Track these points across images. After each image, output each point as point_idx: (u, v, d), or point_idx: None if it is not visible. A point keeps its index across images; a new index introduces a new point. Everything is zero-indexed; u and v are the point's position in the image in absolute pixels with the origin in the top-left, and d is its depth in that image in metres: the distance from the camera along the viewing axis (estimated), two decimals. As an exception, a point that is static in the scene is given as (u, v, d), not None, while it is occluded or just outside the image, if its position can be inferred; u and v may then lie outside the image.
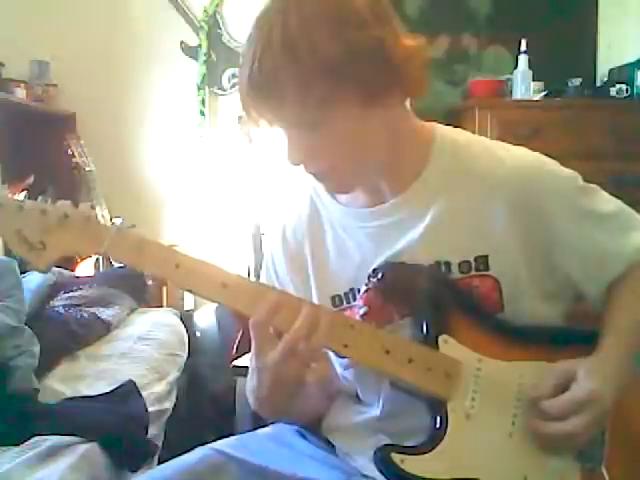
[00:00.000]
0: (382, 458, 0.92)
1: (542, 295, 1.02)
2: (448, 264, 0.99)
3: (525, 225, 0.99)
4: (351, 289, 1.05)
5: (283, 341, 0.91)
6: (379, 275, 0.99)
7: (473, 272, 0.99)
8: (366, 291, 1.01)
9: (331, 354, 0.99)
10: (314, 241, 1.09)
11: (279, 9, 0.90)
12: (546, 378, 0.94)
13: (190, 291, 0.96)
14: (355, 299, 1.04)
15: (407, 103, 1.02)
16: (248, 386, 1.06)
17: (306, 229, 1.10)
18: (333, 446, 1.11)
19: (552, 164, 1.04)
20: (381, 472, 0.93)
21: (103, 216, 2.69)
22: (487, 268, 0.98)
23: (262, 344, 0.93)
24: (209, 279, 0.93)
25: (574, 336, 1.02)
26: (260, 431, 1.15)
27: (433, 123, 1.06)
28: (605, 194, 1.05)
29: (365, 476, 1.03)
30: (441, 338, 0.96)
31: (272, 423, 1.18)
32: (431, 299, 0.98)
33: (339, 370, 1.10)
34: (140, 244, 0.94)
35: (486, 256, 0.98)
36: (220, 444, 1.04)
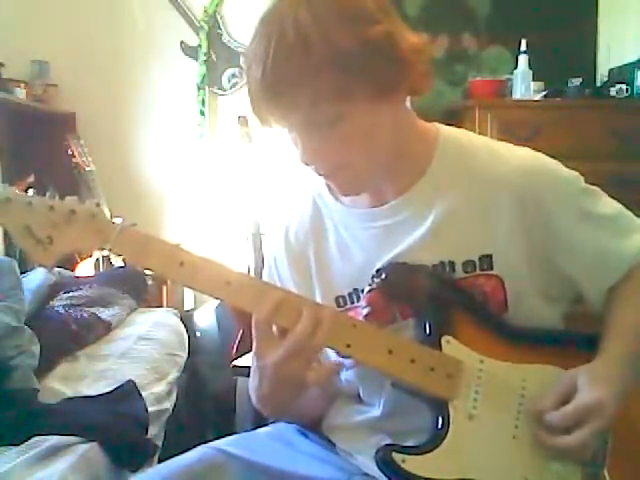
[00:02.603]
0: (383, 458, 0.92)
1: (543, 295, 1.02)
2: (452, 264, 0.99)
3: (527, 224, 0.98)
4: (355, 289, 1.04)
5: (287, 340, 0.91)
6: (382, 276, 0.98)
7: (477, 271, 0.99)
8: (369, 291, 1.01)
9: (333, 354, 0.99)
10: (317, 242, 1.08)
11: (288, 5, 0.89)
12: (549, 389, 0.94)
13: (194, 288, 0.96)
14: (359, 300, 1.04)
15: (408, 103, 1.01)
16: (250, 384, 1.06)
17: (309, 230, 1.09)
18: (334, 445, 1.11)
19: (554, 164, 1.04)
20: (382, 472, 0.93)
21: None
22: (491, 267, 0.98)
23: (264, 342, 0.93)
24: (213, 277, 0.93)
25: (576, 339, 1.02)
26: (261, 430, 1.15)
27: (435, 123, 1.06)
28: (606, 197, 1.05)
29: (366, 475, 1.03)
30: (444, 339, 0.96)
31: (273, 422, 1.18)
32: (434, 300, 0.98)
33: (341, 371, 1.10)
34: (145, 241, 0.94)
35: (490, 255, 0.98)
36: (220, 443, 1.04)
